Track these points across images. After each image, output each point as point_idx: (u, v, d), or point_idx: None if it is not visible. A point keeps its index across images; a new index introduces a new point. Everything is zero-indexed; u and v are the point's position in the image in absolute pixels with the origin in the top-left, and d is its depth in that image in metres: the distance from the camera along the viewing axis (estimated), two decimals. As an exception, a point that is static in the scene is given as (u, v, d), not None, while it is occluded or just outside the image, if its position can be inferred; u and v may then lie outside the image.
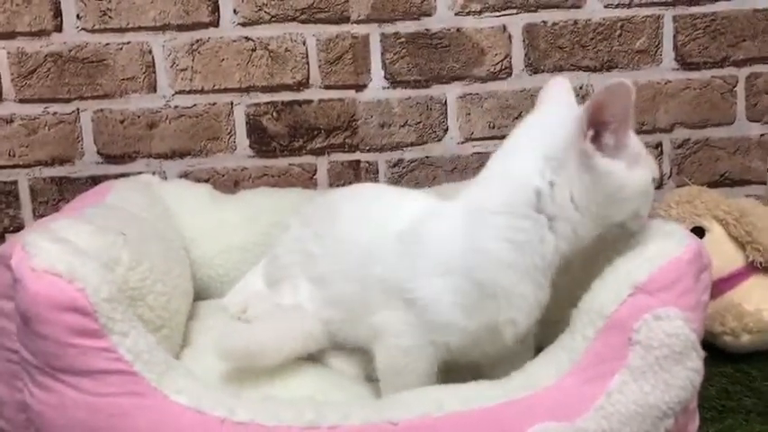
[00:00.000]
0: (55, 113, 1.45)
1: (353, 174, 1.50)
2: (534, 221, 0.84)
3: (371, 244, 0.93)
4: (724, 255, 1.22)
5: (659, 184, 1.52)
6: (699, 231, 1.23)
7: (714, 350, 1.16)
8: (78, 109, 1.45)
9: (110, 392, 0.77)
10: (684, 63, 1.48)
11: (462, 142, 1.50)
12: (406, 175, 1.50)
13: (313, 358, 1.01)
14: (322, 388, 0.95)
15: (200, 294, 1.27)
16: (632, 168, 0.84)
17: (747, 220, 1.22)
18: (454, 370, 0.89)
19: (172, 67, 1.44)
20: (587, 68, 1.47)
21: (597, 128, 0.82)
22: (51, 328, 0.76)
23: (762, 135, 1.50)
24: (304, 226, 1.09)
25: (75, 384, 0.77)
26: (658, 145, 1.51)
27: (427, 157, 1.50)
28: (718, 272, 1.21)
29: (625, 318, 0.80)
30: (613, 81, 0.80)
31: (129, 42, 1.43)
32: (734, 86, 1.49)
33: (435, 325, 0.85)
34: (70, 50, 1.43)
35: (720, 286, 1.21)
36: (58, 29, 1.42)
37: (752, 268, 1.22)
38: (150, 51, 1.44)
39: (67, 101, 1.44)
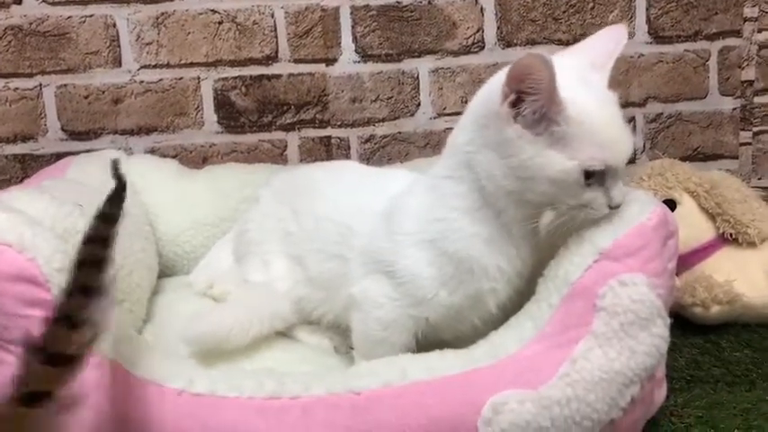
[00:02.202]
0: (16, 89, 1.41)
1: (325, 150, 1.48)
2: (469, 186, 0.82)
3: (352, 220, 0.93)
4: (695, 227, 1.22)
5: (632, 159, 1.53)
6: (670, 204, 1.23)
7: (684, 322, 1.16)
8: (41, 84, 1.41)
9: (63, 365, 0.75)
10: (657, 37, 1.47)
11: (435, 117, 1.48)
12: (378, 151, 1.48)
13: (280, 331, 1.00)
14: (288, 360, 0.93)
15: (166, 271, 1.25)
16: (550, 149, 0.76)
17: (718, 191, 1.22)
18: (434, 345, 0.87)
19: (137, 40, 1.41)
20: (560, 42, 1.46)
21: (520, 95, 0.76)
22: (0, 298, 0.74)
23: (734, 109, 1.50)
24: (277, 202, 1.07)
25: (26, 356, 0.75)
26: (631, 119, 1.50)
27: (399, 132, 1.48)
28: (689, 244, 1.21)
29: (590, 284, 0.79)
30: (534, 51, 0.75)
31: (92, 15, 1.39)
32: (706, 60, 1.48)
33: (415, 299, 0.84)
34: (31, 24, 1.39)
35: (691, 258, 1.21)
36: (18, 1, 1.38)
37: (722, 240, 1.22)
38: (114, 25, 1.40)
39: (29, 76, 1.40)
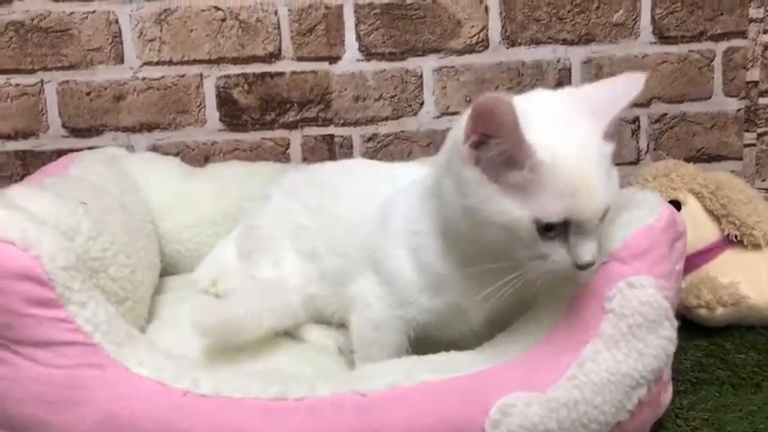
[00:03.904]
0: (18, 85, 1.40)
1: (327, 149, 1.47)
2: (437, 205, 0.80)
3: (358, 218, 0.92)
4: (700, 228, 1.21)
5: (636, 160, 1.53)
6: (675, 205, 1.22)
7: (689, 324, 1.15)
8: (42, 80, 1.40)
9: (68, 364, 0.74)
10: (662, 37, 1.46)
11: (438, 116, 1.47)
12: (381, 150, 1.48)
13: (285, 332, 0.99)
14: (292, 361, 0.93)
15: (169, 269, 1.24)
16: (504, 195, 0.71)
17: (723, 193, 1.21)
18: (431, 344, 0.86)
19: (139, 37, 1.40)
20: (565, 41, 1.45)
21: (483, 136, 0.71)
22: (5, 297, 0.73)
23: (738, 110, 1.49)
24: (290, 198, 1.07)
25: (31, 356, 0.74)
26: (635, 120, 1.49)
27: (402, 131, 1.47)
28: (694, 245, 1.20)
29: (598, 286, 0.79)
30: (494, 94, 0.69)
31: (94, 11, 1.39)
32: (711, 61, 1.48)
33: (399, 300, 0.84)
34: (33, 19, 1.38)
35: (696, 260, 1.20)
36: (20, -4, 1.37)
37: (727, 242, 1.21)
38: (116, 21, 1.39)
39: (31, 72, 1.40)
